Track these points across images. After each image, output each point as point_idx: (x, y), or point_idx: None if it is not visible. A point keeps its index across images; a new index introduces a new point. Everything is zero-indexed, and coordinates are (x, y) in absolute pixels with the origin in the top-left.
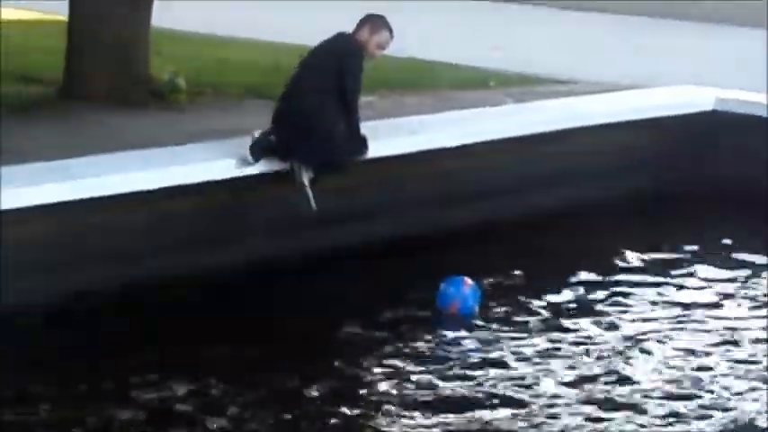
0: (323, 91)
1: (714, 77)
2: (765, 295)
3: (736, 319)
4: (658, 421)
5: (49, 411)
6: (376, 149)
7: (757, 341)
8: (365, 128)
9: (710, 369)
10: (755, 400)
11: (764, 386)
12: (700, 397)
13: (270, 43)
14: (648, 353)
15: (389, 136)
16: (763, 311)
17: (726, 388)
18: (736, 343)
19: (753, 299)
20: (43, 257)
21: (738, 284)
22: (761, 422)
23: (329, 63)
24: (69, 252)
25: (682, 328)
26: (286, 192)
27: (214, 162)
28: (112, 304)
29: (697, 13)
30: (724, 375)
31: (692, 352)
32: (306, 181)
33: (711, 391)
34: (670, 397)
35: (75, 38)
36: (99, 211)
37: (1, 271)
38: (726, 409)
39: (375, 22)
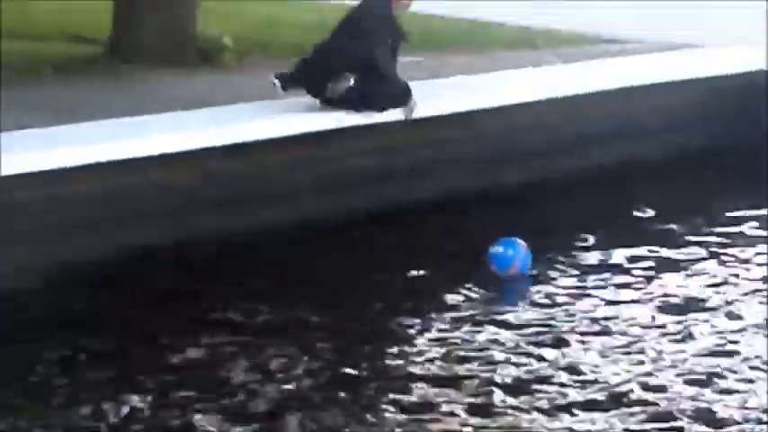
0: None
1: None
2: None
3: None
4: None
5: None
6: (426, 109)
7: None
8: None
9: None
10: None
11: None
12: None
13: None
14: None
15: (439, 96)
16: None
17: None
18: None
19: None
20: (93, 215)
21: None
22: None
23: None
24: (119, 210)
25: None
26: (331, 151)
27: (262, 121)
28: (163, 262)
29: None
30: None
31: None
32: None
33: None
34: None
35: None
36: (147, 170)
37: (55, 227)
38: None
39: None
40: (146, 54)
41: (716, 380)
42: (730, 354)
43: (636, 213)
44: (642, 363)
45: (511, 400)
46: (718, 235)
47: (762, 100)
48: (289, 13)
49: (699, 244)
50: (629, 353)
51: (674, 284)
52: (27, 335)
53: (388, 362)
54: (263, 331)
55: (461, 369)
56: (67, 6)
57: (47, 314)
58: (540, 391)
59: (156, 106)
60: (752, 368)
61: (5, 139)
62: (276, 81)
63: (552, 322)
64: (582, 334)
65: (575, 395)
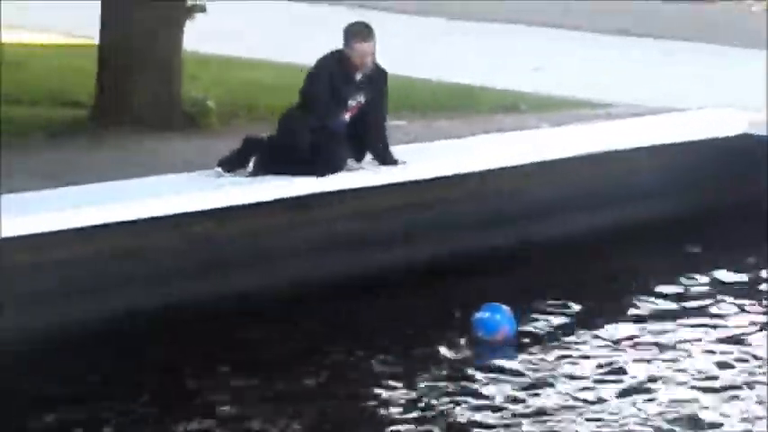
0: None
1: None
2: None
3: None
4: None
5: None
6: (408, 173)
7: None
8: (396, 151)
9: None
10: None
11: None
12: None
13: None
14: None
15: (420, 159)
16: None
17: None
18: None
19: None
20: (77, 280)
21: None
22: None
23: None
24: (103, 276)
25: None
26: (316, 216)
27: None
28: (148, 327)
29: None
30: None
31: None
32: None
33: None
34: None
35: (107, 61)
36: (132, 235)
37: (41, 293)
38: None
39: (346, 34)
40: (131, 118)
41: None
42: None
43: (623, 279)
44: None
45: None
46: (710, 296)
47: (744, 163)
48: (271, 77)
49: (684, 310)
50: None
51: (663, 353)
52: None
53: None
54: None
55: None
56: (58, 70)
57: None
58: None
59: (139, 170)
60: None
61: None
62: (219, 168)
63: (538, 390)
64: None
65: None
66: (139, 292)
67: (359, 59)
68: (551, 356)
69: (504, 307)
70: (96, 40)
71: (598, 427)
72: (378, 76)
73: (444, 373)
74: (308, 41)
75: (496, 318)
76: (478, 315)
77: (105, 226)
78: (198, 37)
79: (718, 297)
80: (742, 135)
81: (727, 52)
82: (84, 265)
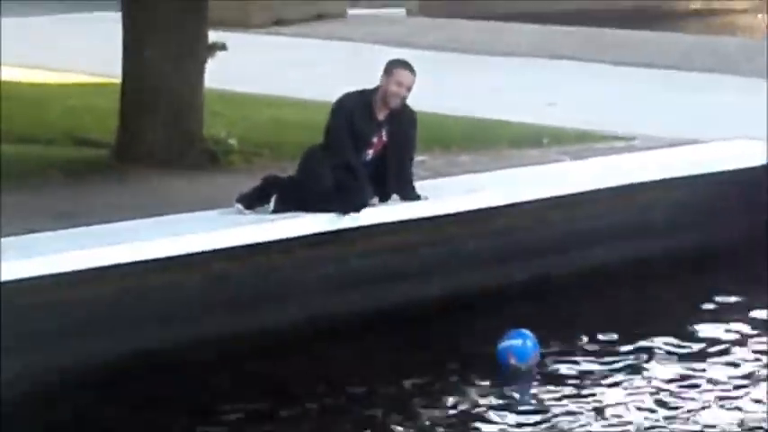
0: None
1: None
2: None
3: None
4: None
5: None
6: (431, 208)
7: None
8: (418, 186)
9: None
10: None
11: None
12: None
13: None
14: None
15: (443, 194)
16: None
17: None
18: None
19: None
20: (99, 319)
21: None
22: None
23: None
24: (125, 314)
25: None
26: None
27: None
28: (167, 365)
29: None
30: None
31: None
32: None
33: None
34: None
35: (128, 100)
36: (153, 273)
37: (60, 331)
38: None
39: (389, 67)
40: (152, 156)
41: None
42: None
43: (646, 311)
44: None
45: None
46: (726, 332)
47: (765, 194)
48: (296, 114)
49: (700, 342)
50: None
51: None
52: None
53: None
54: None
55: None
56: (76, 109)
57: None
58: None
59: (160, 209)
60: None
61: (9, 243)
62: (239, 205)
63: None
64: None
65: None
66: (159, 332)
67: (395, 87)
68: (573, 386)
69: (529, 332)
70: (118, 80)
71: None
72: (407, 117)
73: (467, 404)
74: (330, 79)
75: (528, 344)
76: (508, 342)
77: (124, 265)
78: (222, 75)
79: (745, 331)
80: (763, 166)
81: (746, 84)
82: (103, 305)
